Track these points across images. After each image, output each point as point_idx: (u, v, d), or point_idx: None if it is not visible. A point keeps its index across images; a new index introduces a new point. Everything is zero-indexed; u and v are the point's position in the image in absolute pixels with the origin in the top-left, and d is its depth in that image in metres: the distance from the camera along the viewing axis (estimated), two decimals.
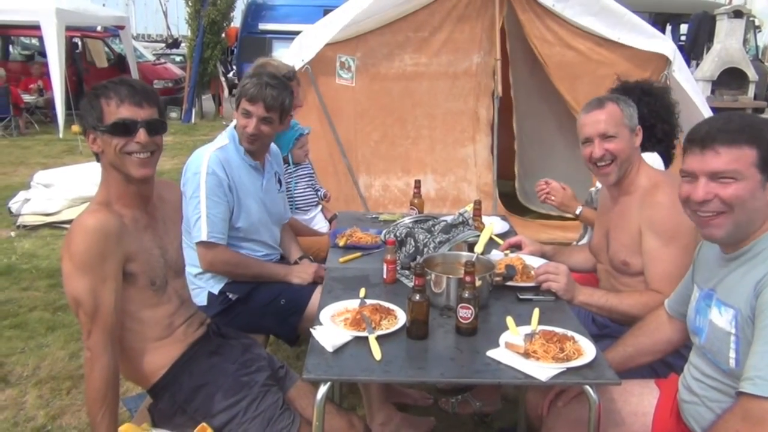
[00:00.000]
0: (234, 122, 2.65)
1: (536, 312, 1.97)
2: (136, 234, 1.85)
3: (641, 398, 1.90)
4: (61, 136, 10.58)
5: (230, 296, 2.56)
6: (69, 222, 5.82)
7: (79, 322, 1.79)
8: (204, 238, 2.45)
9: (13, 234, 5.74)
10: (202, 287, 2.56)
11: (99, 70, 13.90)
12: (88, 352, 1.76)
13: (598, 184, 2.85)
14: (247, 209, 2.59)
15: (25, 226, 5.83)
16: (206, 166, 2.46)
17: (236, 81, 13.55)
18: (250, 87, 2.52)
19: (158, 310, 1.92)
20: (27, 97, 11.70)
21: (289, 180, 3.32)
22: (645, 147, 2.50)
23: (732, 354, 1.57)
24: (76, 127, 10.59)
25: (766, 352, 1.45)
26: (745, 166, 1.56)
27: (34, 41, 14.63)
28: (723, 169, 1.58)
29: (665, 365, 2.10)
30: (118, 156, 1.79)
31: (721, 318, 1.61)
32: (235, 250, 2.59)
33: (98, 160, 1.85)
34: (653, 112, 2.74)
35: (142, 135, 1.78)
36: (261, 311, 2.56)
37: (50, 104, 11.45)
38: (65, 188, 5.96)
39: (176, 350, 1.96)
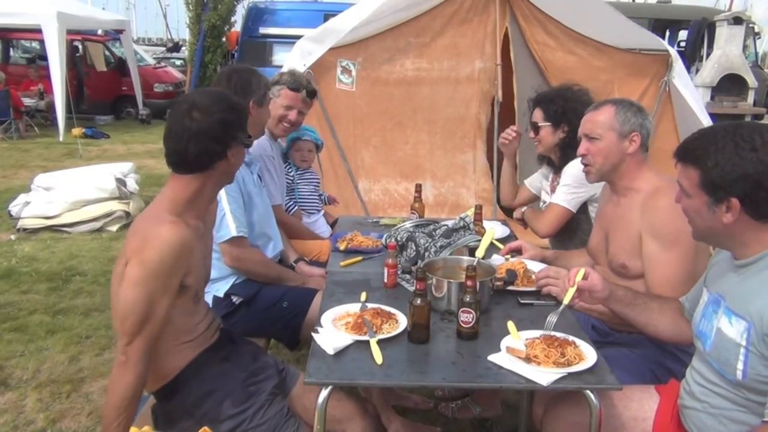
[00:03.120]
0: None
1: (578, 280, 1.92)
2: (195, 245, 1.87)
3: (641, 403, 1.90)
4: (61, 139, 10.60)
5: (234, 299, 2.56)
6: (69, 225, 5.84)
7: (117, 326, 1.76)
8: (234, 233, 2.47)
9: (13, 237, 5.74)
10: (207, 291, 2.56)
11: (99, 73, 13.95)
12: (122, 356, 1.74)
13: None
14: (254, 201, 2.61)
15: (25, 229, 5.83)
16: None
17: None
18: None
19: (193, 317, 1.94)
20: (27, 101, 11.71)
21: (293, 183, 3.33)
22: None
23: (740, 366, 1.54)
24: (76, 131, 10.60)
25: None
26: (690, 186, 1.64)
27: (35, 44, 14.67)
28: (680, 185, 1.68)
29: (666, 370, 2.10)
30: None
31: (732, 328, 1.57)
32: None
33: (192, 171, 1.84)
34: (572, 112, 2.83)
35: None
36: (264, 314, 2.56)
37: (51, 107, 11.47)
38: (65, 191, 5.96)
39: (191, 354, 1.96)
